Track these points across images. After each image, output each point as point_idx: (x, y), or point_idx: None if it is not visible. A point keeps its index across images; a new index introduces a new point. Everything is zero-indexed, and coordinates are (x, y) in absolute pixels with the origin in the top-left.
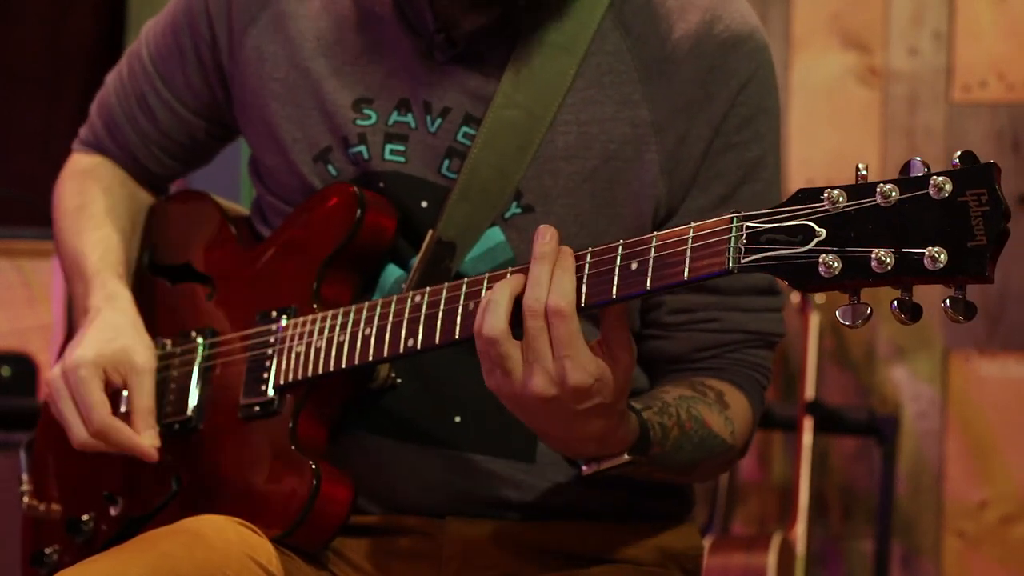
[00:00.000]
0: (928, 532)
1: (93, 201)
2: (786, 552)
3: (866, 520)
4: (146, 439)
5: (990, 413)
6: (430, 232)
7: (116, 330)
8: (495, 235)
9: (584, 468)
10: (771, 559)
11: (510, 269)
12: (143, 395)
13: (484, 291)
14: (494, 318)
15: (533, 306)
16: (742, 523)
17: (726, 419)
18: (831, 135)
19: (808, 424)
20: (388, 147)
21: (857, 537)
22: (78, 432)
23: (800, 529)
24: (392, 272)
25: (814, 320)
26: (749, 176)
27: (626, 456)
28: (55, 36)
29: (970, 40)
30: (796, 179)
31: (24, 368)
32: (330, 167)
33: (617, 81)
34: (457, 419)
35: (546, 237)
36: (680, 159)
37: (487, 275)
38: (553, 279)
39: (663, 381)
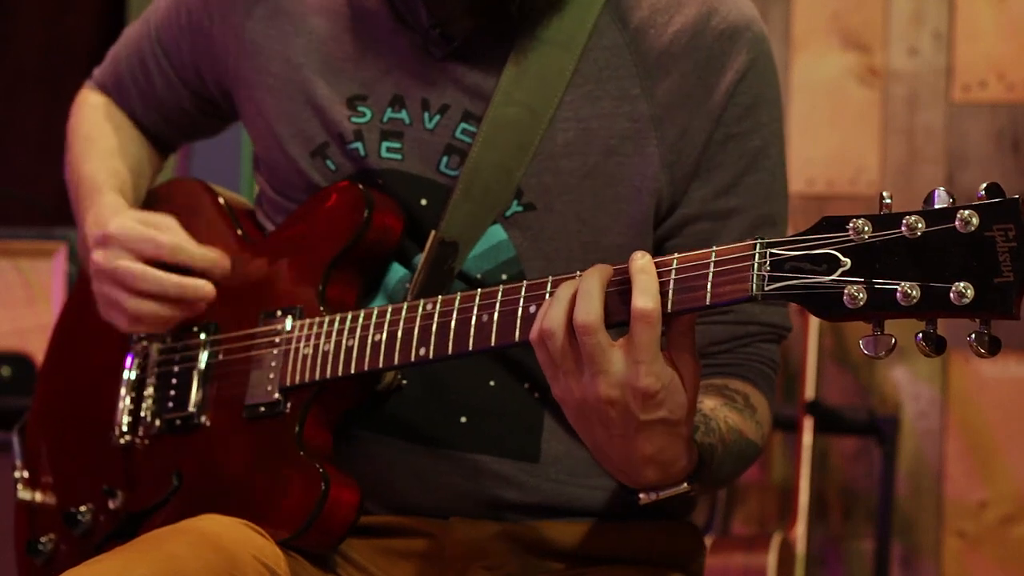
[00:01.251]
0: (928, 532)
1: (103, 136)
2: (786, 552)
3: (866, 520)
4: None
5: (990, 413)
6: (432, 233)
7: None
8: (497, 233)
9: (641, 496)
10: (771, 559)
11: (539, 277)
12: (181, 237)
13: (498, 303)
14: (589, 304)
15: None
16: (742, 523)
17: (756, 423)
18: (831, 135)
19: (808, 424)
20: (384, 144)
21: (857, 537)
22: (138, 277)
23: (800, 529)
24: (396, 271)
25: (814, 320)
26: (752, 166)
27: (686, 485)
28: (55, 36)
29: (970, 40)
30: (796, 179)
31: (24, 368)
32: (328, 162)
33: (615, 76)
34: (463, 420)
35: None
36: (681, 152)
37: (501, 287)
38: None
39: None
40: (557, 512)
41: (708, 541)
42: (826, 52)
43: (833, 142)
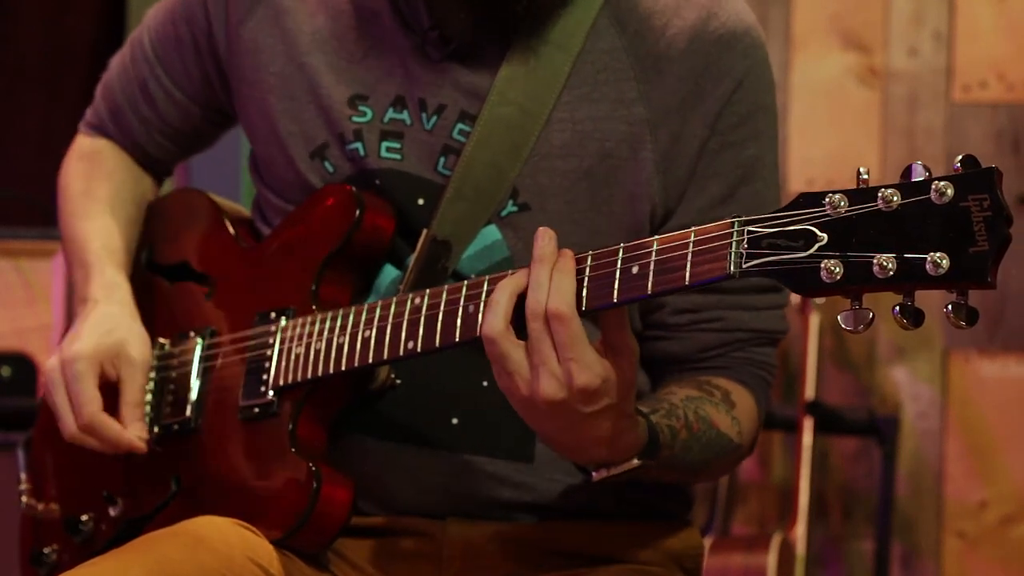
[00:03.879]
0: (928, 532)
1: (98, 186)
2: (786, 552)
3: (866, 520)
4: (133, 430)
5: (990, 413)
6: (424, 231)
7: (113, 322)
8: (491, 233)
9: (594, 474)
10: (771, 559)
11: (511, 271)
12: (134, 388)
13: (484, 293)
14: (493, 317)
15: (535, 308)
16: (742, 523)
17: (733, 418)
18: (831, 135)
19: (808, 424)
20: (384, 144)
21: (857, 537)
22: (68, 425)
23: (800, 529)
24: (389, 272)
25: (814, 320)
26: (747, 176)
27: (636, 461)
28: (55, 36)
29: (970, 40)
30: (796, 179)
31: (24, 368)
32: (327, 163)
33: (613, 79)
34: (454, 420)
35: (544, 239)
36: (675, 157)
37: (487, 277)
38: (552, 282)
39: (669, 381)
40: (554, 512)
41: (708, 541)
42: (826, 52)
43: (833, 142)
